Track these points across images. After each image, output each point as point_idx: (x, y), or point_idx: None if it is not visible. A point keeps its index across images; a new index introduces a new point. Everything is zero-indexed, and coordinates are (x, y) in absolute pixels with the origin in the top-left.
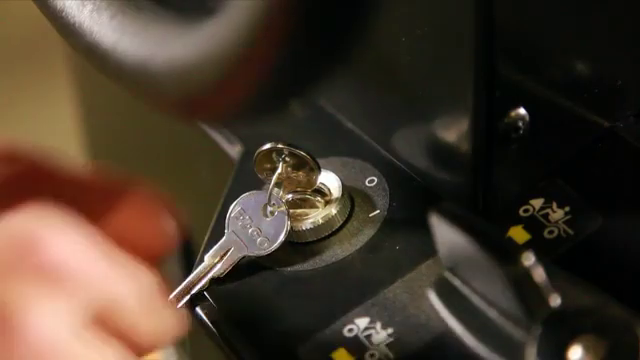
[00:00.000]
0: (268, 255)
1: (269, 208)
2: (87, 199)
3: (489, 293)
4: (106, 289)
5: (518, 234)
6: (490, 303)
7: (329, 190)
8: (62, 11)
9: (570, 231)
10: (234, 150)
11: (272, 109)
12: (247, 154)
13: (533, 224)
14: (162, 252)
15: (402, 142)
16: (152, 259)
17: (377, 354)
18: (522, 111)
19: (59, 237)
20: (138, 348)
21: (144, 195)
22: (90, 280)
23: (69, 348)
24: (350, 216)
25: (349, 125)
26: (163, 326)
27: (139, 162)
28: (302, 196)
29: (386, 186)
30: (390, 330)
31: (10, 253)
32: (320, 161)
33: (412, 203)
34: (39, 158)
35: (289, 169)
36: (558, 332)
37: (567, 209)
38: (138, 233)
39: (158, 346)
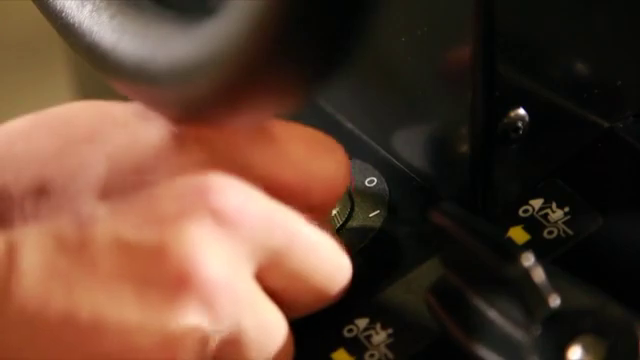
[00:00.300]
0: None
1: None
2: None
3: (489, 293)
4: (274, 239)
5: (518, 234)
6: (490, 303)
7: None
8: (62, 11)
9: (570, 231)
10: None
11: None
12: None
13: (533, 224)
14: (332, 198)
15: (402, 142)
16: (321, 207)
17: (377, 354)
18: (522, 111)
19: (231, 188)
20: (309, 297)
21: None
22: (260, 230)
23: (239, 294)
24: (350, 216)
25: (349, 125)
26: (335, 275)
27: None
28: None
29: (386, 186)
30: (390, 330)
31: (187, 197)
32: None
33: (412, 203)
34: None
35: None
36: (557, 332)
37: (567, 209)
38: (303, 182)
39: (331, 293)
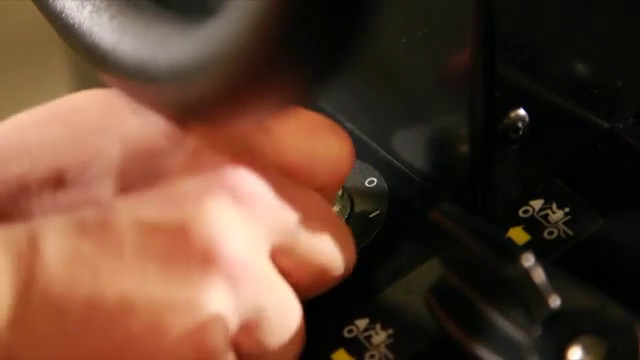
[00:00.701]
0: None
1: None
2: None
3: (489, 294)
4: (288, 218)
5: (518, 235)
6: (490, 304)
7: None
8: (62, 12)
9: (570, 232)
10: None
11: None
12: None
13: (533, 225)
14: (337, 179)
15: (402, 143)
16: (326, 189)
17: (377, 355)
18: (522, 112)
19: (244, 168)
20: (316, 278)
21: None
22: (275, 208)
23: (260, 274)
24: (350, 216)
25: (349, 125)
26: (341, 257)
27: None
28: None
29: (386, 187)
30: (390, 331)
31: (204, 177)
32: None
33: (412, 203)
34: None
35: None
36: (558, 333)
37: (567, 210)
38: (313, 161)
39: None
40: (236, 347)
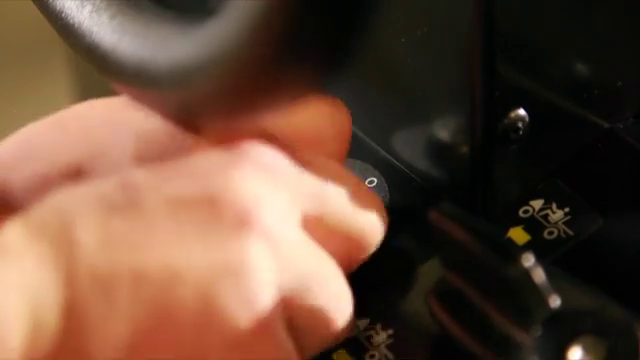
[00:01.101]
0: None
1: None
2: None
3: (489, 294)
4: (317, 189)
5: (518, 235)
6: (490, 304)
7: None
8: (62, 12)
9: (570, 232)
10: None
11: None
12: None
13: (533, 225)
14: (345, 143)
15: (402, 143)
16: (337, 154)
17: (377, 355)
18: (522, 112)
19: (260, 142)
20: (348, 249)
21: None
22: (296, 176)
23: (296, 240)
24: None
25: None
26: (371, 224)
27: None
28: None
29: (386, 187)
30: (390, 331)
31: (225, 152)
32: None
33: (412, 204)
34: None
35: None
36: (558, 333)
37: (567, 210)
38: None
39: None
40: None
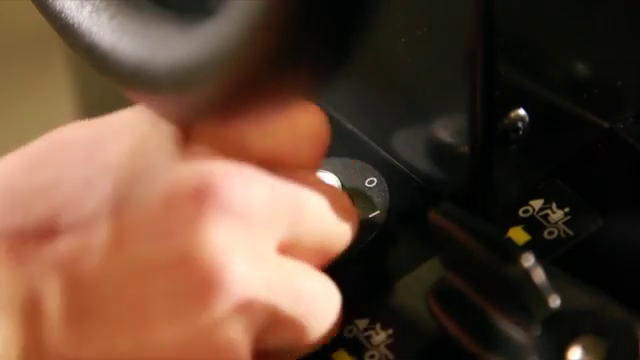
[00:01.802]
0: None
1: None
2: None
3: (489, 294)
4: (292, 214)
5: (518, 235)
6: (490, 304)
7: None
8: (61, 12)
9: (570, 232)
10: None
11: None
12: None
13: (533, 225)
14: (320, 151)
15: (402, 143)
16: (312, 163)
17: (377, 355)
18: (522, 112)
19: (233, 176)
20: (320, 256)
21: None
22: (270, 208)
23: (271, 278)
24: None
25: (349, 126)
26: (343, 233)
27: None
28: None
29: (386, 187)
30: (390, 331)
31: (195, 198)
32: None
33: (412, 204)
34: None
35: None
36: (558, 333)
37: (567, 210)
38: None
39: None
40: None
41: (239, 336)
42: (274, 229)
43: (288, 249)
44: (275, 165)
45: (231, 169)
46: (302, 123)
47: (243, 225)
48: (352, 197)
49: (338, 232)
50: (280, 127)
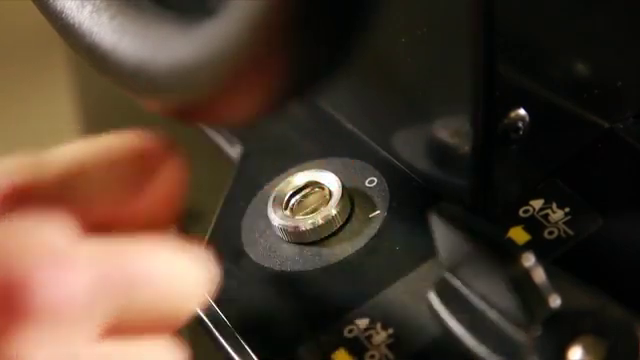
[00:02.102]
0: (268, 255)
1: None
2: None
3: (489, 294)
4: (122, 292)
5: (518, 235)
6: (490, 304)
7: (329, 191)
8: (62, 12)
9: (570, 232)
10: (234, 150)
11: (272, 109)
12: (247, 154)
13: (533, 225)
14: (168, 206)
15: (402, 143)
16: (162, 223)
17: (377, 355)
18: (522, 112)
19: (49, 275)
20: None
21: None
22: (92, 297)
23: None
24: (350, 217)
25: (349, 126)
26: (190, 295)
27: None
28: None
29: (386, 187)
30: (390, 331)
31: (6, 317)
32: (320, 162)
33: (412, 203)
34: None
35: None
36: (558, 333)
37: (567, 210)
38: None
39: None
40: None
41: None
42: (95, 316)
43: (119, 328)
44: (122, 226)
45: (44, 260)
46: (158, 182)
47: (61, 325)
48: (352, 197)
49: (185, 296)
50: (134, 186)
